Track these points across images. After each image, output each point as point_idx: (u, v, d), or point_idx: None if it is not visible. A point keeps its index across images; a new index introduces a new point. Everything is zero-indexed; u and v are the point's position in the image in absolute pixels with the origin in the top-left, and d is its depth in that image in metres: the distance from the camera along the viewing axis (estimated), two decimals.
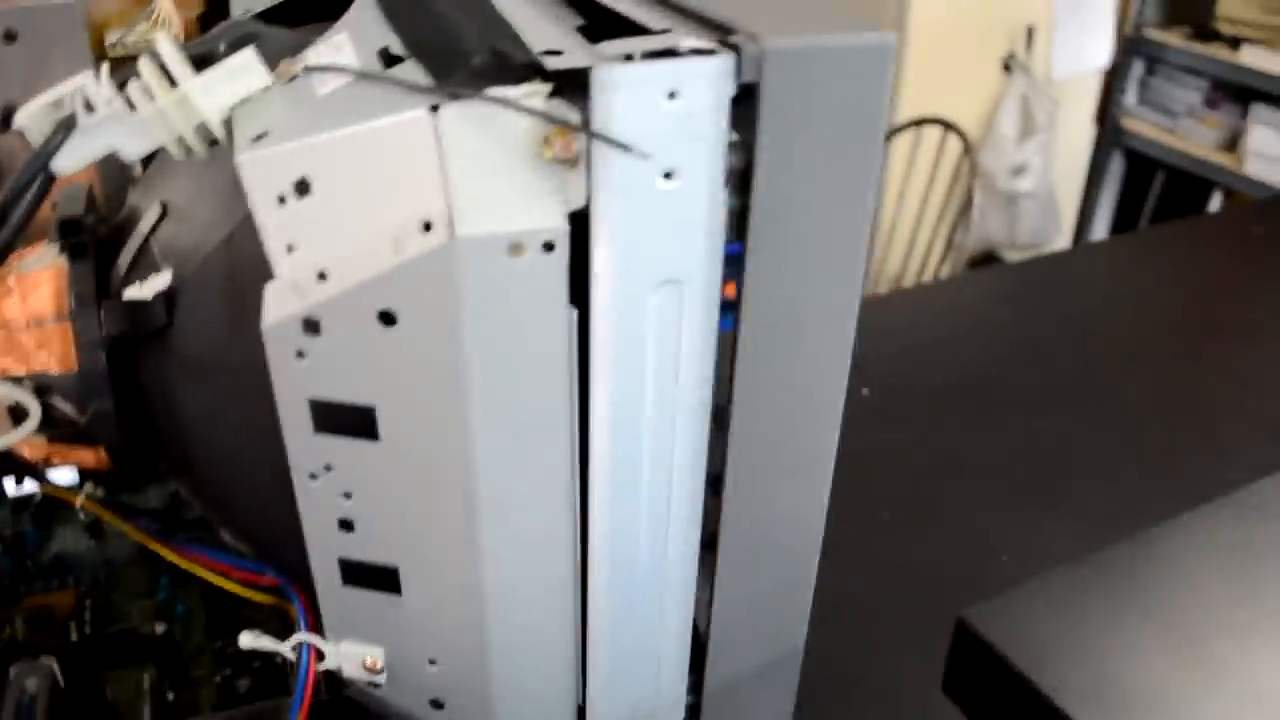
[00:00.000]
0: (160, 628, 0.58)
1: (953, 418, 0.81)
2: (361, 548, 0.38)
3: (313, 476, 0.37)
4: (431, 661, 0.41)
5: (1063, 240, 2.40)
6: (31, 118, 0.41)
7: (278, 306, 0.34)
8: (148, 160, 0.44)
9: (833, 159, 0.33)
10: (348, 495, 0.37)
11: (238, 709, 0.47)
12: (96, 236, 0.45)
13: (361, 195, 0.33)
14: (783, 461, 0.39)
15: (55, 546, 0.63)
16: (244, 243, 0.38)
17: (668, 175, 0.32)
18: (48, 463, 0.48)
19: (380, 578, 0.39)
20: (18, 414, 0.44)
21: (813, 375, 0.38)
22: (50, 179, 0.41)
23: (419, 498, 0.36)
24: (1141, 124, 2.34)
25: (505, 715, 0.42)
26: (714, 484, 0.39)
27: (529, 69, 0.33)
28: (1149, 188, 2.36)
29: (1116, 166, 2.44)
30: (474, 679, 0.41)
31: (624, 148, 0.31)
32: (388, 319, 0.33)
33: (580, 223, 0.32)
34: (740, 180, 0.33)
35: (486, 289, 0.32)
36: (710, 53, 0.31)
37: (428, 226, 0.32)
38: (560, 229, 0.32)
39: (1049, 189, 2.26)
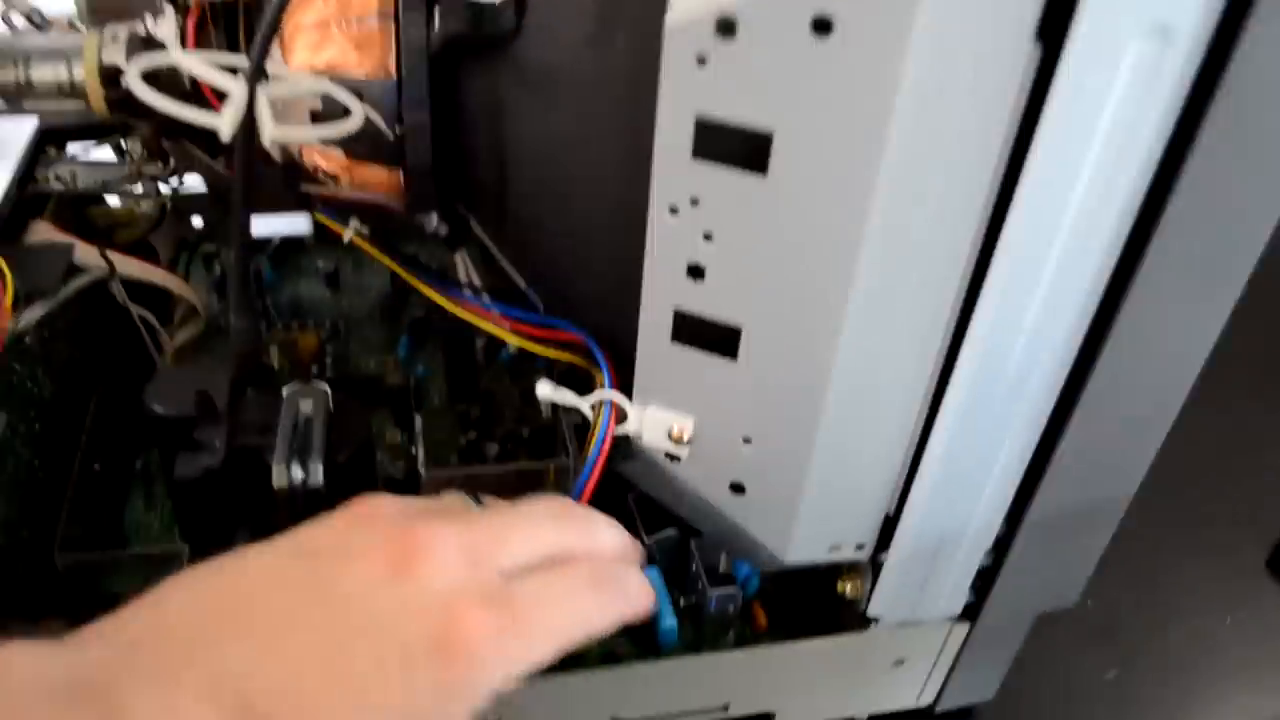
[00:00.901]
0: (404, 380, 0.56)
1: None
2: (707, 300, 0.34)
3: (673, 210, 0.33)
4: (746, 440, 0.37)
5: None
6: None
7: (690, 1, 0.29)
8: None
9: None
10: (708, 237, 0.33)
11: (508, 465, 0.44)
12: None
13: None
14: (1186, 292, 0.34)
15: (290, 290, 0.62)
16: None
17: None
18: (333, 179, 0.46)
19: (717, 338, 0.35)
20: (322, 120, 0.41)
21: (1240, 224, 0.32)
22: None
23: (792, 251, 0.32)
24: None
25: (808, 509, 0.38)
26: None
27: None
28: None
29: None
30: (788, 465, 0.37)
31: None
32: (822, 26, 0.28)
33: None
34: None
35: (948, 5, 0.28)
36: None
37: None
38: None
39: None
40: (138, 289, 0.54)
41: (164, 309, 0.57)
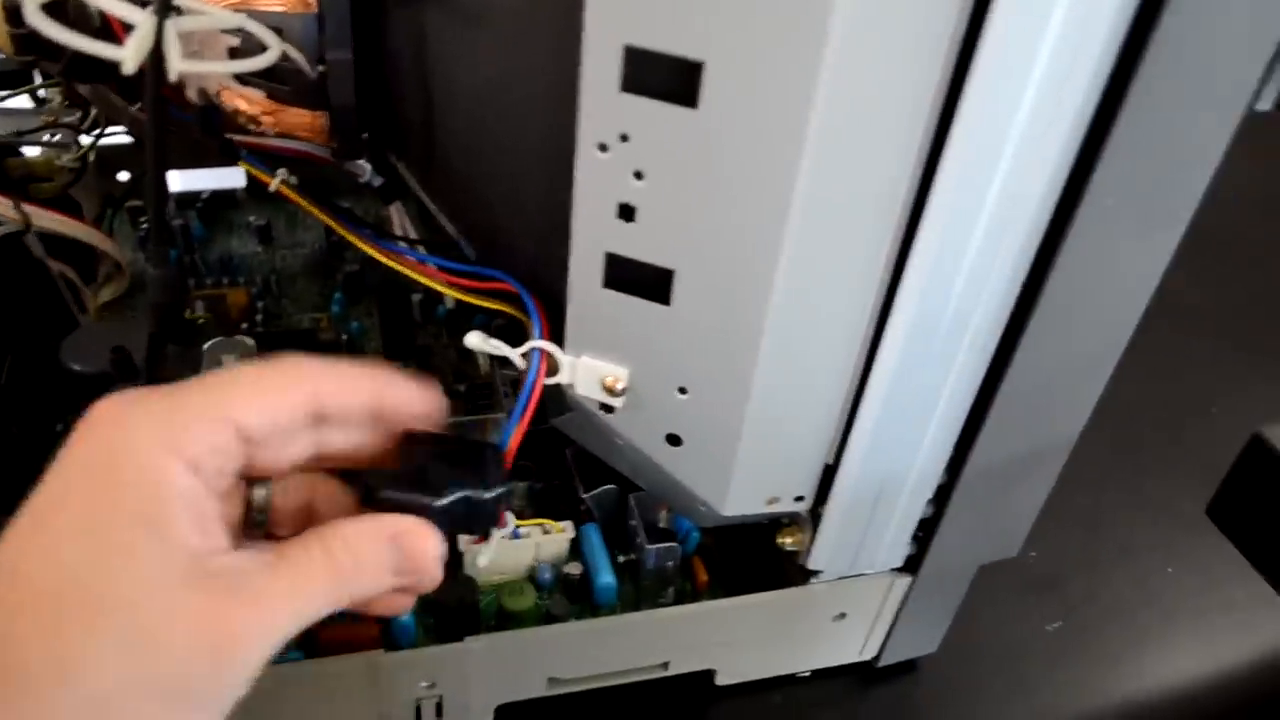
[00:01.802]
0: (340, 337, 0.54)
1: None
2: (639, 242, 0.33)
3: (602, 148, 0.32)
4: (682, 390, 0.36)
5: None
6: None
7: None
8: None
9: None
10: (639, 175, 0.32)
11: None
12: None
13: None
14: (1127, 233, 0.33)
15: (221, 246, 0.60)
16: None
17: None
18: (254, 122, 0.44)
19: (650, 282, 0.34)
20: (239, 54, 0.40)
21: (1182, 162, 0.32)
22: None
23: (725, 187, 0.31)
24: None
25: (746, 459, 0.37)
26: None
27: None
28: None
29: None
30: (726, 415, 0.36)
31: None
32: None
33: None
34: None
35: None
36: None
37: None
38: None
39: None
40: (58, 244, 0.52)
41: (88, 266, 0.55)
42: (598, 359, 0.37)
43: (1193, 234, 0.34)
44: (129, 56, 0.32)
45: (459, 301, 0.42)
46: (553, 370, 0.38)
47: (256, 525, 0.30)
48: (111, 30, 0.41)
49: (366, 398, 0.31)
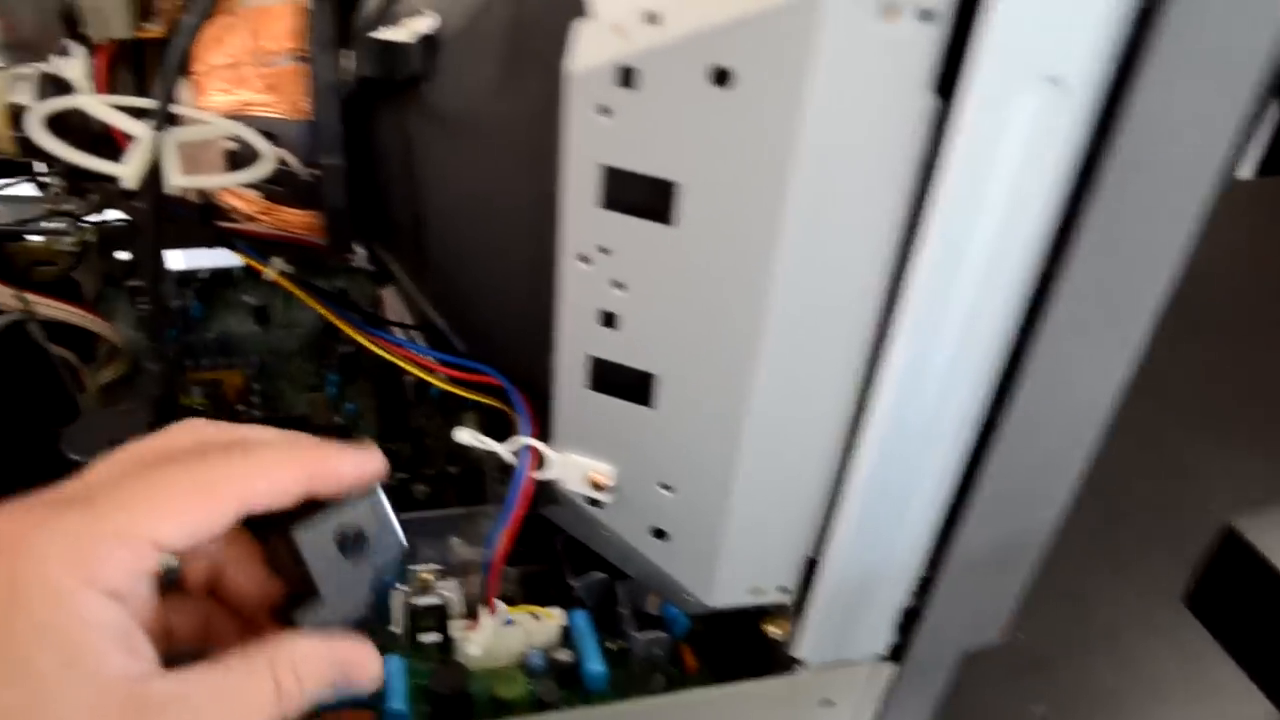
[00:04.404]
0: (334, 420, 0.55)
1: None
2: (621, 348, 0.34)
3: (584, 259, 0.33)
4: (666, 487, 0.37)
5: None
6: None
7: (592, 50, 0.29)
8: None
9: None
10: (619, 285, 0.33)
11: (435, 511, 0.44)
12: None
13: None
14: (1095, 327, 0.34)
15: (219, 326, 0.61)
16: None
17: None
18: (249, 220, 0.45)
19: (633, 385, 0.35)
20: (238, 160, 0.41)
21: (1146, 260, 0.33)
22: None
23: (702, 298, 0.32)
24: None
25: (730, 553, 0.38)
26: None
27: None
28: None
29: None
30: (709, 511, 0.37)
31: None
32: (721, 77, 0.28)
33: None
34: None
35: (845, 56, 0.27)
36: None
37: None
38: None
39: None
40: (59, 327, 0.53)
41: (87, 347, 0.56)
42: (584, 456, 0.38)
43: (1176, 309, 0.35)
44: (130, 175, 0.33)
45: None
46: (540, 465, 0.38)
47: (166, 586, 0.29)
48: (111, 135, 0.42)
49: (298, 490, 0.29)
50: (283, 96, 0.40)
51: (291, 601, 0.30)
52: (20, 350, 0.51)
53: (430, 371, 0.43)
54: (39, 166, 0.58)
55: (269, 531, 0.30)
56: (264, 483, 0.28)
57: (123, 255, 0.64)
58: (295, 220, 0.43)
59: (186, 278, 0.63)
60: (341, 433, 0.53)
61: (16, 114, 0.43)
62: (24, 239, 0.58)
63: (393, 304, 0.58)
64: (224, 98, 0.41)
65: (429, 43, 0.36)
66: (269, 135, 0.40)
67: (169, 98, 0.35)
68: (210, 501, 0.27)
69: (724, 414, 0.34)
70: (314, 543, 0.30)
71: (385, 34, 0.37)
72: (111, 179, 0.45)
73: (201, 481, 0.27)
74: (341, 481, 0.30)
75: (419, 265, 0.42)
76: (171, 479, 0.27)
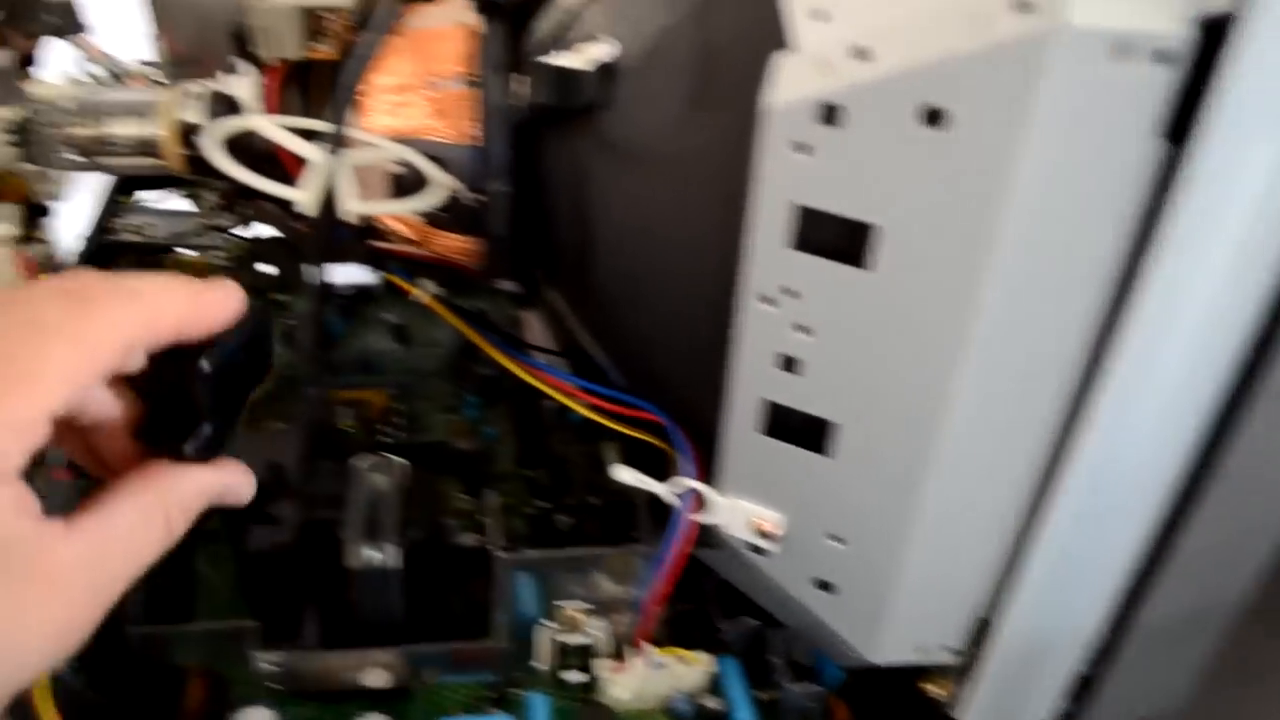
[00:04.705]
0: (470, 444, 0.54)
1: None
2: (800, 393, 0.33)
3: (768, 300, 0.31)
4: (837, 538, 0.35)
5: None
6: None
7: (794, 84, 0.28)
8: None
9: None
10: (804, 329, 0.31)
11: (584, 550, 0.43)
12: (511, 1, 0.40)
13: None
14: None
15: (359, 344, 0.61)
16: (720, 15, 0.32)
17: None
18: (406, 242, 0.44)
19: (809, 433, 0.33)
20: (402, 183, 0.40)
21: None
22: None
23: (894, 346, 0.30)
24: None
25: (899, 610, 0.36)
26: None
27: None
28: None
29: None
30: (880, 566, 0.35)
31: None
32: (933, 117, 0.27)
33: (1212, 36, 0.25)
34: None
35: (1070, 98, 0.26)
36: None
37: (1025, 5, 0.25)
38: (1182, 37, 0.25)
39: None
40: None
41: None
42: (752, 502, 0.36)
43: None
44: (307, 200, 0.33)
45: None
46: (703, 507, 0.37)
47: None
48: (277, 154, 0.42)
49: (172, 334, 0.28)
50: (449, 121, 0.40)
51: (155, 421, 0.30)
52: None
53: (572, 398, 0.42)
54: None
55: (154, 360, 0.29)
56: (144, 329, 0.27)
57: (267, 269, 0.64)
58: (453, 245, 0.43)
59: (328, 294, 0.63)
60: (481, 459, 0.52)
61: (187, 131, 0.43)
62: (175, 251, 0.59)
63: (534, 328, 0.57)
64: (388, 120, 0.41)
65: (607, 70, 0.35)
66: (435, 160, 0.39)
67: (344, 122, 0.35)
68: (96, 354, 0.26)
69: (907, 467, 0.32)
70: (204, 373, 0.29)
71: (561, 60, 0.36)
72: (278, 200, 0.45)
73: (92, 333, 0.26)
74: (213, 326, 0.29)
75: (580, 295, 0.41)
76: (68, 337, 0.26)
